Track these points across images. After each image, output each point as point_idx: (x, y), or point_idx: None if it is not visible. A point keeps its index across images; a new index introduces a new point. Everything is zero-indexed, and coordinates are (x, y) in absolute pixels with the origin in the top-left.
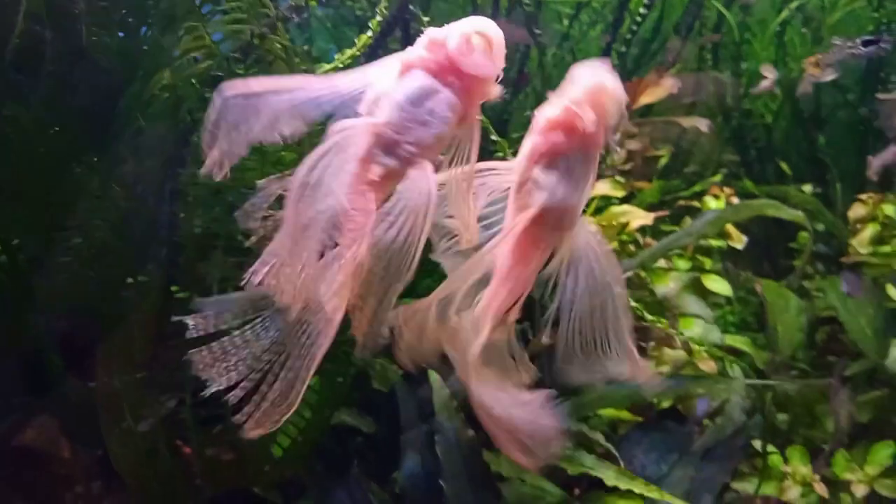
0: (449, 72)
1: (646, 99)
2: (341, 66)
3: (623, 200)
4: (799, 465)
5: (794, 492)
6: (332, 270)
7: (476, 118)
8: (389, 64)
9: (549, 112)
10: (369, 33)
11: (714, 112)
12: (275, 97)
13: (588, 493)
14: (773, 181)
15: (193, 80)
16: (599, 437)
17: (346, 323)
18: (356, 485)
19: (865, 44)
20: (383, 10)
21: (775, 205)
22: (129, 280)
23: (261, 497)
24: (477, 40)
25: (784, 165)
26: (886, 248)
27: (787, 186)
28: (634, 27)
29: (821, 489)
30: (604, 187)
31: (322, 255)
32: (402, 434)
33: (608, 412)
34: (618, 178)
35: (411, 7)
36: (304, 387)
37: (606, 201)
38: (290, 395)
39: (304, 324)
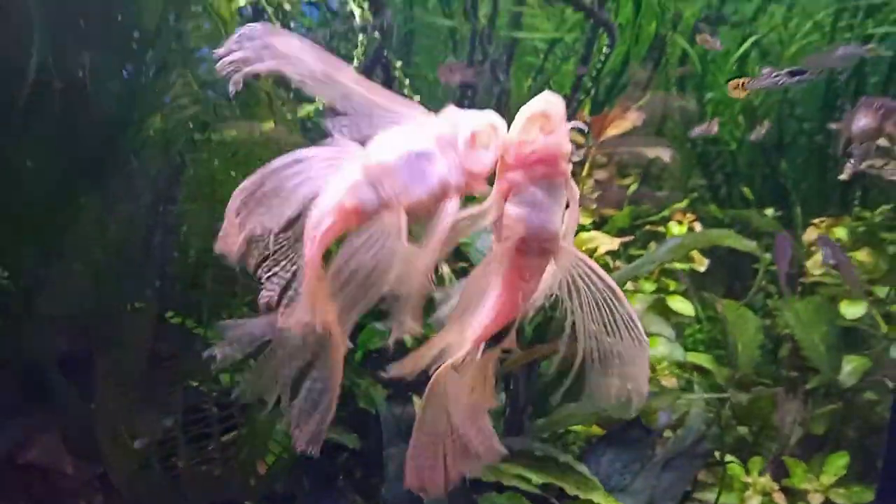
0: (452, 151)
1: (612, 131)
2: (321, 107)
3: (597, 227)
4: (759, 476)
5: (754, 501)
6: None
7: (455, 200)
8: (415, 117)
9: (505, 154)
10: None
11: (682, 139)
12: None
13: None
14: (739, 205)
15: (184, 123)
16: (559, 454)
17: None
18: (342, 498)
19: (791, 74)
20: (360, 55)
21: (732, 235)
22: (126, 304)
23: None
24: (484, 136)
25: (747, 190)
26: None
27: (750, 211)
28: (601, 62)
29: (780, 498)
30: None
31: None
32: (384, 450)
33: (578, 427)
34: (589, 206)
35: (386, 53)
36: (337, 394)
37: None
38: (326, 405)
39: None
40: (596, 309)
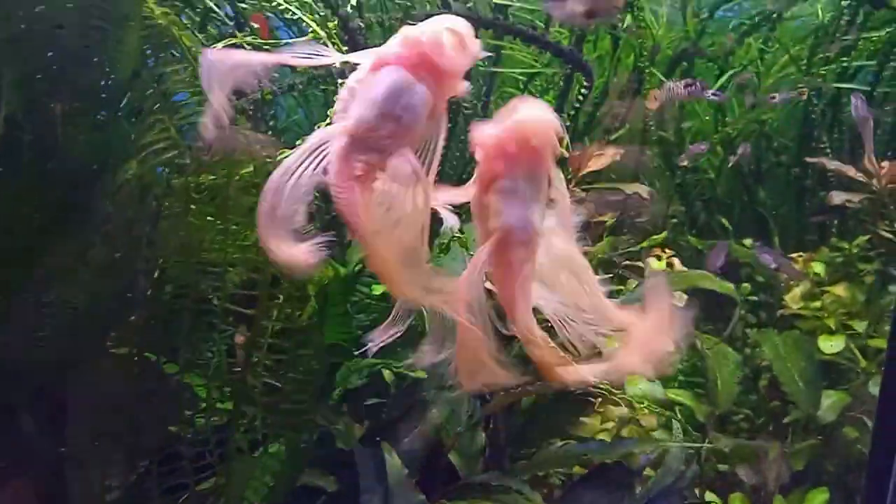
0: (422, 67)
1: (590, 167)
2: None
3: None
4: None
5: None
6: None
7: (443, 111)
8: (364, 57)
9: (486, 140)
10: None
11: (661, 168)
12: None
13: None
14: (719, 233)
15: (160, 169)
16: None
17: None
18: None
19: (685, 86)
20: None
21: (709, 277)
22: (99, 348)
23: None
24: (448, 37)
25: (725, 221)
26: (817, 304)
27: (728, 241)
28: (578, 101)
29: None
30: None
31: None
32: (360, 496)
33: None
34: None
35: None
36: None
37: None
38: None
39: None
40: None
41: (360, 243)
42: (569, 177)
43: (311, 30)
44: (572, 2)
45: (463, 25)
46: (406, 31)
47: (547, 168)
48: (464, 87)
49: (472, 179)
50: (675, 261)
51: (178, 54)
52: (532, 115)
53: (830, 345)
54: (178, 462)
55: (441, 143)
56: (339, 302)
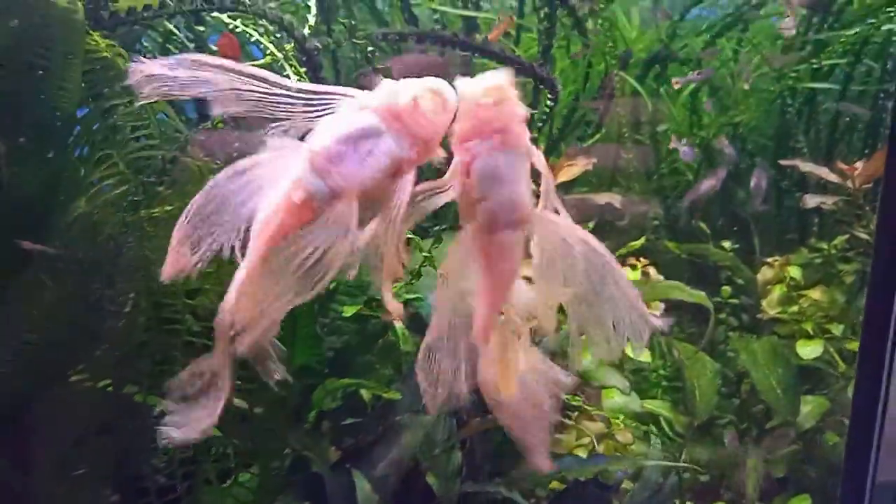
0: (397, 124)
1: (562, 178)
2: None
3: None
4: None
5: None
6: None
7: (410, 173)
8: (351, 98)
9: (457, 126)
10: None
11: (638, 173)
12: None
13: None
14: (699, 236)
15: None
16: None
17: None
18: None
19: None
20: None
21: (679, 287)
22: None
23: None
24: (427, 102)
25: (703, 225)
26: (794, 308)
27: (707, 245)
28: (545, 114)
29: None
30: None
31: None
32: None
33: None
34: None
35: None
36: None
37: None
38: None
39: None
40: (581, 271)
41: (244, 276)
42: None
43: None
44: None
45: (446, 90)
46: (387, 86)
47: (522, 138)
48: (440, 153)
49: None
50: (651, 269)
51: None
52: (486, 81)
53: (808, 350)
54: (145, 497)
55: (403, 207)
56: (308, 323)
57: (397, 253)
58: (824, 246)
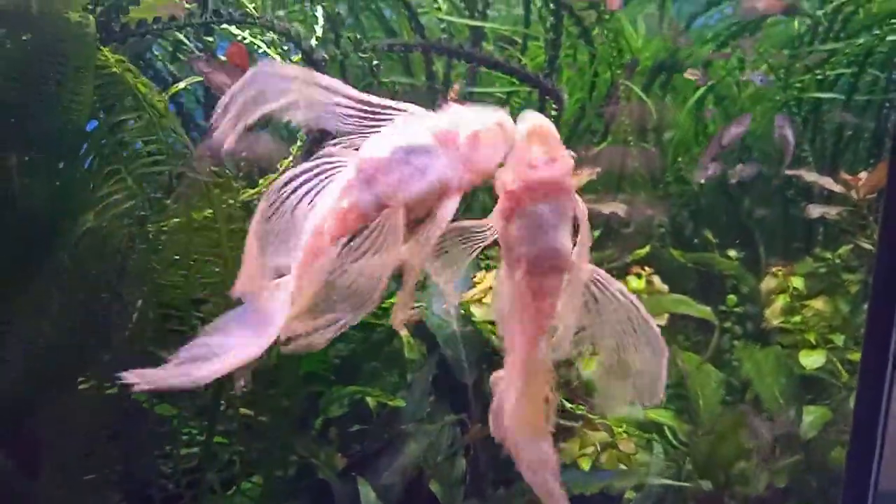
0: (454, 146)
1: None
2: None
3: None
4: None
5: None
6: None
7: (456, 199)
8: (415, 114)
9: (504, 175)
10: None
11: (645, 180)
12: (306, 87)
13: None
14: (703, 245)
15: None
16: None
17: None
18: None
19: None
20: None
21: (685, 301)
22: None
23: None
24: (489, 135)
25: (708, 234)
26: (797, 318)
27: (712, 253)
28: (552, 117)
29: None
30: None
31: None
32: None
33: None
34: None
35: None
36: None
37: None
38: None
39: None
40: (615, 322)
41: (296, 286)
42: None
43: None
44: None
45: (509, 126)
46: (454, 111)
47: (570, 190)
48: (485, 182)
49: (494, 210)
50: (656, 279)
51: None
52: (542, 129)
53: (811, 360)
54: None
55: (439, 231)
56: None
57: (419, 273)
58: (829, 255)
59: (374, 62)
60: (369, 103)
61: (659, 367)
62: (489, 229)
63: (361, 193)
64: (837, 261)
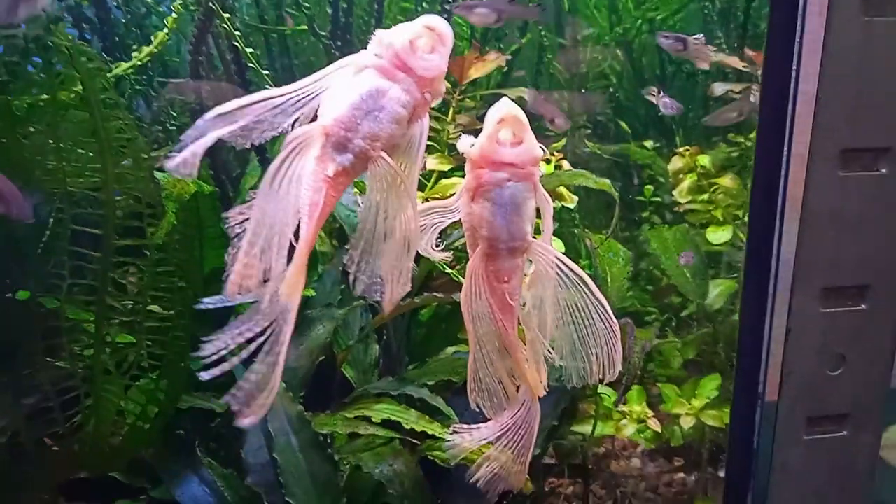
0: (399, 70)
1: (474, 74)
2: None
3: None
4: (635, 406)
5: (629, 429)
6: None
7: (425, 114)
8: (343, 66)
9: (471, 152)
10: None
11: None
12: (246, 110)
13: None
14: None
15: None
16: (426, 393)
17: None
18: (203, 465)
19: None
20: None
21: (583, 174)
22: None
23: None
24: (424, 40)
25: (624, 125)
26: (704, 197)
27: (629, 144)
28: None
29: (654, 424)
30: (432, 162)
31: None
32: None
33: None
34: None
35: None
36: (280, 372)
37: (440, 175)
38: (271, 382)
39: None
40: (570, 301)
41: (304, 238)
42: (452, 87)
43: None
44: None
45: (441, 24)
46: (380, 35)
47: (534, 176)
48: (443, 88)
49: (460, 189)
50: (565, 163)
51: None
52: (512, 115)
53: (718, 235)
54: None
55: (423, 147)
56: (214, 223)
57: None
58: (741, 139)
59: None
60: (295, 87)
61: (614, 341)
62: (454, 209)
63: (341, 158)
64: (750, 143)
